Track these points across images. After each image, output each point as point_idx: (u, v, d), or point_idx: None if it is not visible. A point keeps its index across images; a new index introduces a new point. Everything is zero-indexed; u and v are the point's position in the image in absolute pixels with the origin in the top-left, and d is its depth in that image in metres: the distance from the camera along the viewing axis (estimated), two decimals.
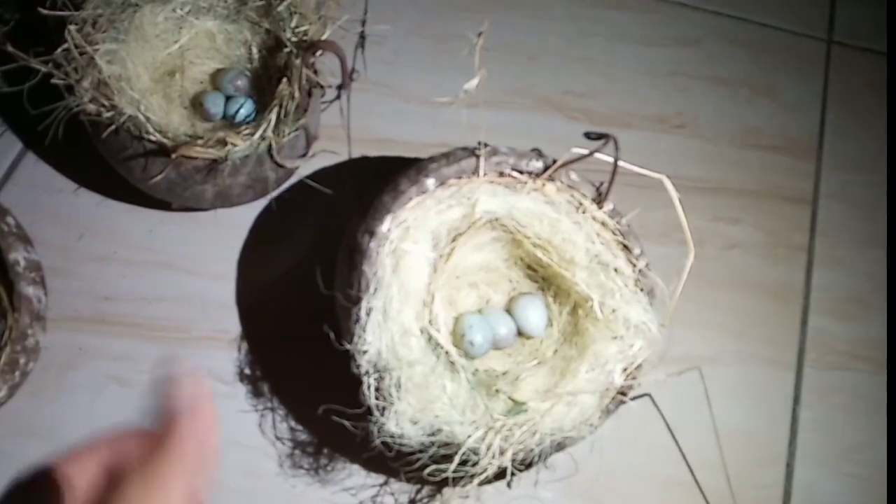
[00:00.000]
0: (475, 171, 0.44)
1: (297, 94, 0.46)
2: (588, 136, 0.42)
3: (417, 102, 0.58)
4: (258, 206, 0.54)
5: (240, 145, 0.45)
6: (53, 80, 0.45)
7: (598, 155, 0.42)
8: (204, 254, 0.53)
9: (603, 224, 0.44)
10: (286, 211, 0.54)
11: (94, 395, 0.50)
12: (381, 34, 0.56)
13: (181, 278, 0.52)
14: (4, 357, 0.45)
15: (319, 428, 0.50)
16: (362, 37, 0.52)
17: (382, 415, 0.39)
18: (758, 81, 0.63)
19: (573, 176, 0.45)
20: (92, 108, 0.45)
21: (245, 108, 0.51)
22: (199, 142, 0.45)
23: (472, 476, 0.39)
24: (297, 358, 0.51)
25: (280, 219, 0.54)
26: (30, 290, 0.48)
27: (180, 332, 0.51)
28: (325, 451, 0.50)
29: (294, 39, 0.49)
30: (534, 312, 0.47)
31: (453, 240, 0.45)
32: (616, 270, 0.44)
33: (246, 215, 0.54)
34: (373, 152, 0.57)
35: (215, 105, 0.51)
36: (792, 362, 0.56)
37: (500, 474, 0.40)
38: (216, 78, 0.53)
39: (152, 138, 0.45)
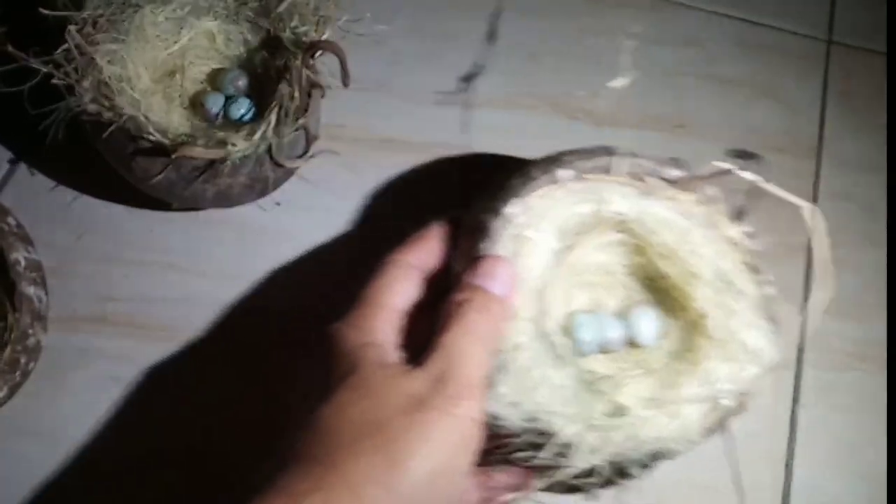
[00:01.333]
0: (611, 170, 0.44)
1: (296, 95, 0.46)
2: (734, 154, 0.42)
3: (416, 102, 0.58)
4: (259, 205, 0.54)
5: (240, 145, 0.45)
6: (54, 81, 0.45)
7: (741, 173, 0.42)
8: (205, 254, 0.53)
9: (735, 243, 0.44)
10: (287, 211, 0.54)
11: (94, 396, 0.50)
12: (381, 33, 0.56)
13: (182, 278, 0.52)
14: (5, 357, 0.45)
15: None
16: None
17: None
18: (758, 81, 0.63)
19: (710, 191, 0.45)
20: (92, 108, 0.45)
21: (245, 109, 0.51)
22: (200, 142, 0.45)
23: (563, 468, 0.39)
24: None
25: (281, 219, 0.54)
26: (30, 290, 0.48)
27: (182, 332, 0.51)
28: None
29: (293, 40, 0.49)
30: (647, 322, 0.46)
31: (577, 235, 0.44)
32: (741, 292, 0.43)
33: (246, 215, 0.54)
34: (373, 152, 0.57)
35: (215, 105, 0.51)
36: (792, 362, 0.56)
37: (587, 474, 0.40)
38: (216, 78, 0.53)
39: (152, 138, 0.45)
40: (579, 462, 0.39)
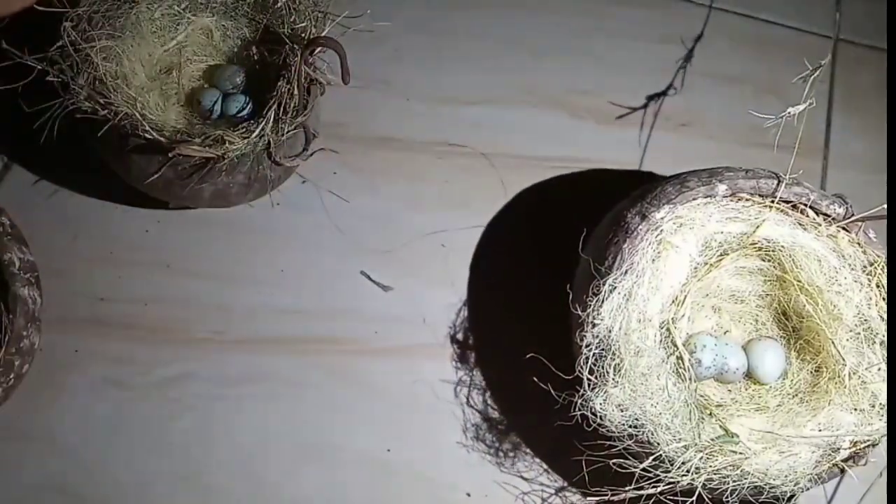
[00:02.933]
0: (772, 195, 0.43)
1: (295, 92, 0.45)
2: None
3: (418, 100, 0.58)
4: (257, 204, 0.53)
5: (237, 144, 0.44)
6: (49, 78, 0.44)
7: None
8: (201, 254, 0.52)
9: (887, 291, 0.43)
10: (285, 210, 0.54)
11: (89, 398, 0.49)
12: (383, 31, 0.55)
13: (178, 279, 0.52)
14: None
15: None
16: None
17: (592, 390, 0.40)
18: (763, 79, 0.62)
19: (871, 234, 0.44)
20: (87, 105, 0.44)
21: (241, 105, 0.50)
22: (197, 140, 0.44)
23: (659, 481, 0.39)
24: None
25: (279, 218, 0.54)
26: (25, 292, 0.47)
27: (177, 333, 0.51)
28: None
29: (292, 36, 0.48)
30: (771, 358, 0.45)
31: (721, 255, 0.44)
32: (882, 344, 0.42)
33: (243, 214, 0.53)
34: (373, 150, 0.56)
35: (212, 102, 0.50)
36: None
37: (686, 493, 0.40)
38: (213, 75, 0.53)
39: (148, 136, 0.44)
40: (677, 478, 0.39)
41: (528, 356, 0.45)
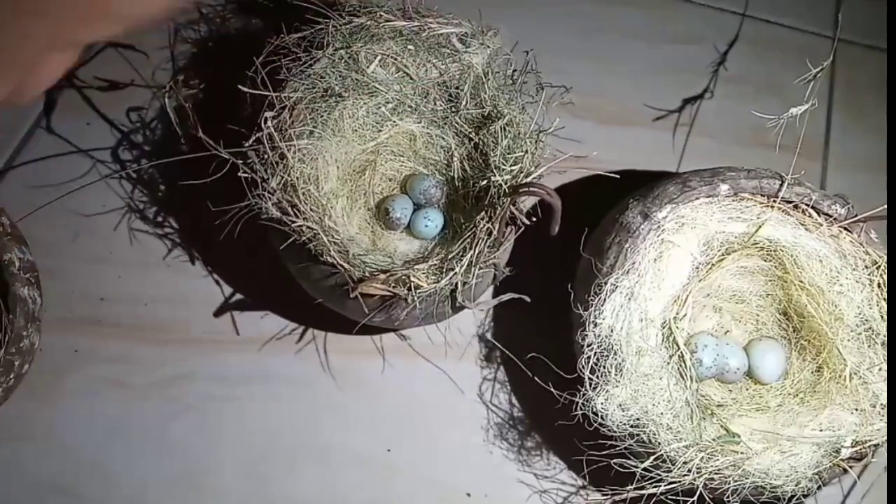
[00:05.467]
0: (774, 196, 0.43)
1: (495, 232, 0.41)
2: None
3: None
4: None
5: (424, 287, 0.40)
6: (240, 174, 0.40)
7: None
8: (201, 254, 0.52)
9: (887, 291, 0.43)
10: None
11: (89, 398, 0.49)
12: None
13: (178, 279, 0.52)
14: None
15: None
16: None
17: (593, 389, 0.40)
18: (763, 79, 0.62)
19: (873, 234, 0.44)
20: (275, 214, 0.40)
21: (434, 223, 0.46)
22: (381, 276, 0.40)
23: (661, 481, 0.39)
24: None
25: None
26: (25, 291, 0.47)
27: (177, 333, 0.51)
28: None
29: (504, 167, 0.43)
30: (772, 358, 0.46)
31: (723, 254, 0.44)
32: (883, 345, 0.42)
33: None
34: None
35: (402, 213, 0.47)
36: None
37: (687, 493, 0.40)
38: (408, 181, 0.49)
39: (331, 263, 0.40)
40: (679, 478, 0.39)
41: (529, 356, 0.45)
